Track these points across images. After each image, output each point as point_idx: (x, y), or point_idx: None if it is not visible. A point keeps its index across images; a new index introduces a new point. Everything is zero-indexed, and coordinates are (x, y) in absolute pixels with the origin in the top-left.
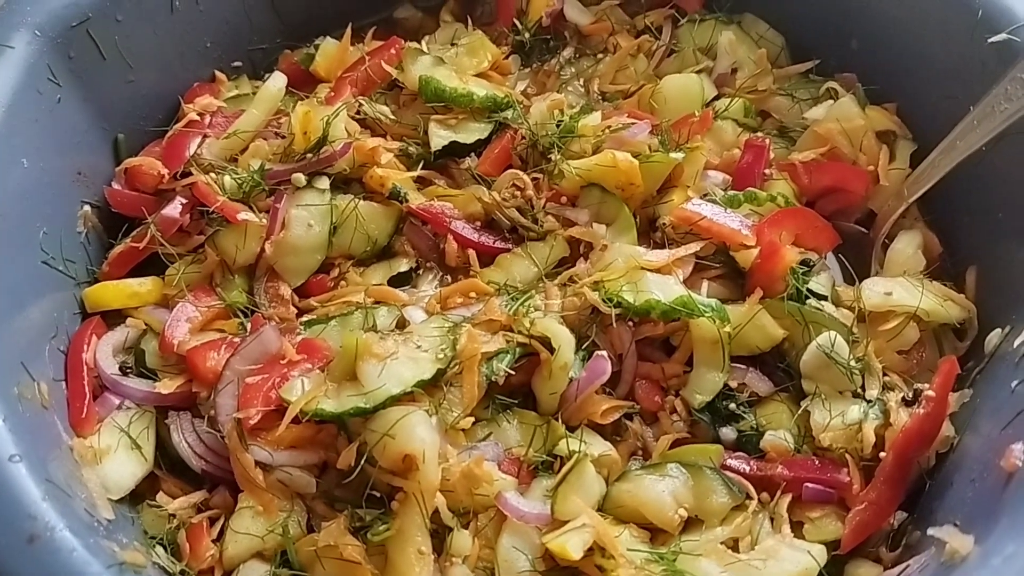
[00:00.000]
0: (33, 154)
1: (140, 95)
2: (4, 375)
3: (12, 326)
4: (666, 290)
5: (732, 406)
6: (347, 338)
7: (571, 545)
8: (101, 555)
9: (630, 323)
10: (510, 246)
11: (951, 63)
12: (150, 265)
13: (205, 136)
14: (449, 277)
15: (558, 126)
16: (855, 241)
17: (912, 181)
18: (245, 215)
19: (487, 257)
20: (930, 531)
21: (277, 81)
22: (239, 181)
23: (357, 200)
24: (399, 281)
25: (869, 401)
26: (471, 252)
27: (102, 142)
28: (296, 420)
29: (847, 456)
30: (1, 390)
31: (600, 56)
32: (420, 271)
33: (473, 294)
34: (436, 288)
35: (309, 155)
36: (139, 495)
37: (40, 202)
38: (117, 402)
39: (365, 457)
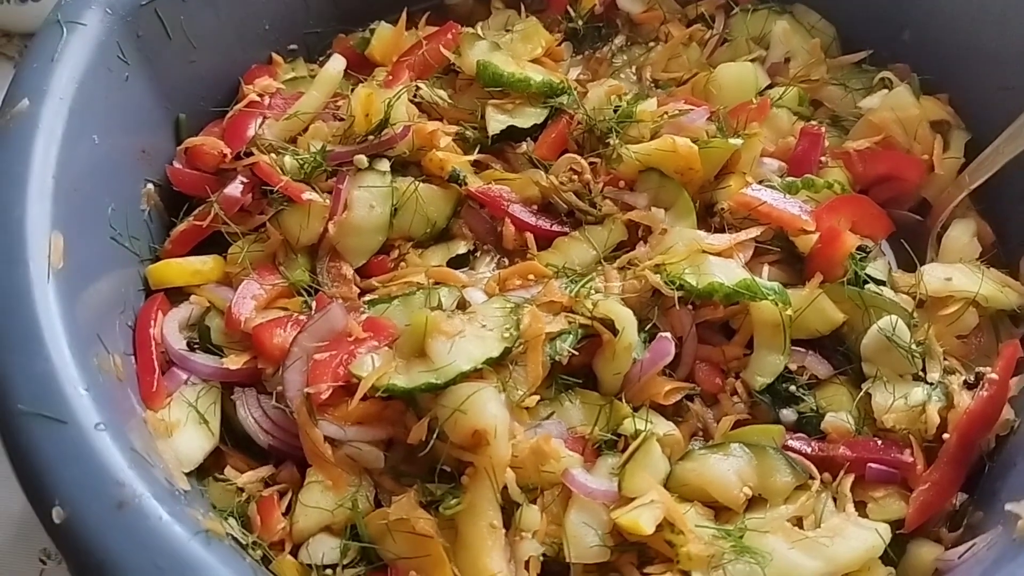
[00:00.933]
0: (103, 130)
1: (201, 75)
2: (84, 345)
3: (87, 299)
4: (729, 273)
5: (792, 388)
6: (416, 315)
7: (643, 520)
8: (187, 522)
9: (690, 306)
10: (567, 230)
11: (1008, 54)
12: (210, 244)
13: (265, 117)
14: (506, 260)
15: (615, 111)
16: (909, 229)
17: (972, 170)
18: (309, 195)
19: (544, 241)
20: (1008, 506)
21: (337, 64)
22: (300, 162)
23: (417, 182)
24: (457, 263)
25: (931, 384)
26: (529, 235)
27: (165, 121)
28: (365, 396)
29: (910, 437)
30: (82, 361)
31: (652, 44)
32: (478, 253)
33: (532, 276)
34: (494, 270)
35: (370, 137)
36: (204, 470)
37: (108, 178)
38: (184, 377)
39: (436, 432)
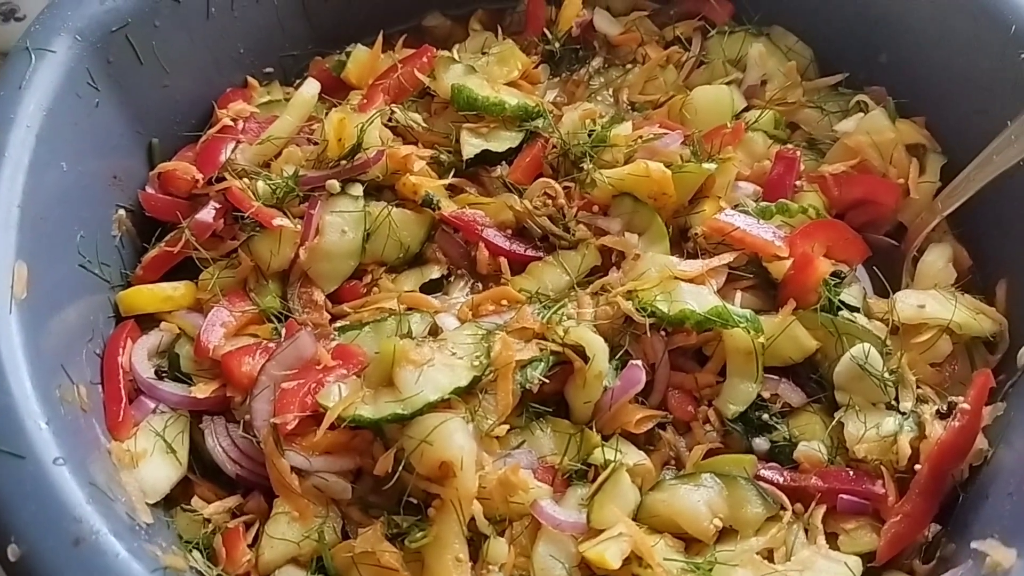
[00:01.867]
0: (72, 157)
1: (174, 100)
2: (45, 378)
3: (51, 328)
4: (700, 300)
5: (765, 416)
6: (384, 344)
7: (609, 554)
8: (144, 559)
9: (663, 333)
10: (541, 255)
11: (982, 78)
12: (182, 269)
13: (239, 142)
14: (480, 285)
15: (590, 135)
16: (885, 253)
17: (946, 195)
18: (280, 220)
19: (518, 265)
20: (973, 544)
21: (310, 88)
22: (273, 187)
23: (390, 207)
24: (430, 288)
25: (903, 413)
26: (502, 260)
27: (137, 146)
28: (332, 426)
29: (882, 468)
30: (43, 393)
31: (629, 67)
32: (451, 278)
33: (505, 302)
34: (467, 295)
35: (343, 162)
36: (172, 499)
37: (78, 205)
38: (152, 406)
39: (403, 464)
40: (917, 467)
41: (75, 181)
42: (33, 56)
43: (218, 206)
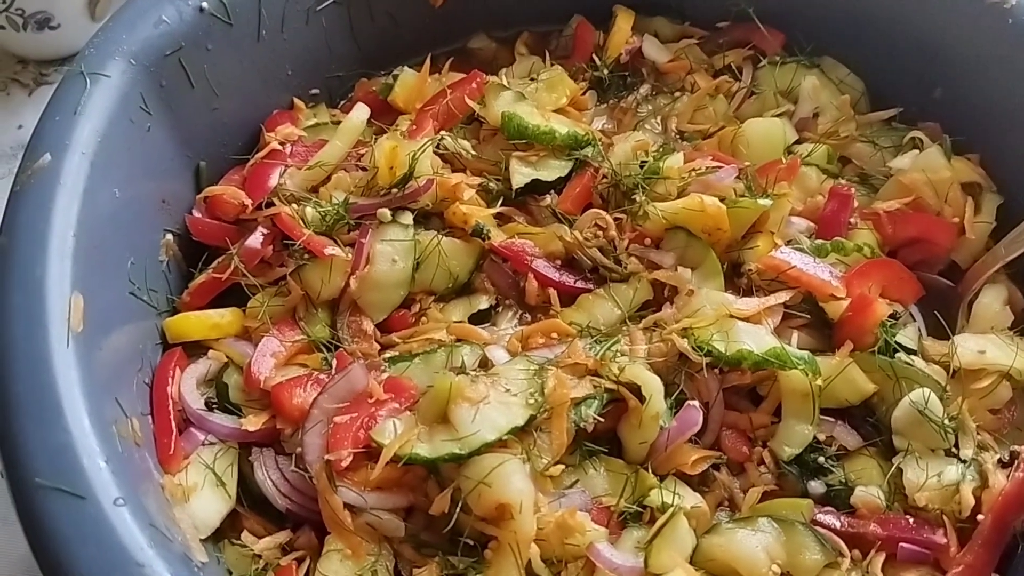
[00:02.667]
0: (124, 183)
1: (223, 123)
2: (103, 413)
3: (105, 360)
4: (758, 340)
5: (820, 459)
6: (440, 381)
7: None
8: None
9: (717, 371)
10: (591, 287)
11: None
12: (230, 295)
13: (287, 166)
14: (529, 316)
15: (642, 166)
16: (938, 293)
17: (1012, 239)
18: (332, 250)
19: (568, 297)
20: None
21: (360, 113)
22: (323, 213)
23: (440, 236)
24: (478, 318)
25: (965, 461)
26: (552, 291)
27: (185, 169)
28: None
29: (944, 517)
30: (101, 429)
31: (678, 95)
32: (500, 308)
33: (555, 335)
34: (516, 326)
35: (394, 190)
36: (219, 532)
37: (129, 231)
38: (202, 438)
39: (460, 504)
40: (979, 517)
41: (127, 206)
42: (88, 80)
43: (266, 232)
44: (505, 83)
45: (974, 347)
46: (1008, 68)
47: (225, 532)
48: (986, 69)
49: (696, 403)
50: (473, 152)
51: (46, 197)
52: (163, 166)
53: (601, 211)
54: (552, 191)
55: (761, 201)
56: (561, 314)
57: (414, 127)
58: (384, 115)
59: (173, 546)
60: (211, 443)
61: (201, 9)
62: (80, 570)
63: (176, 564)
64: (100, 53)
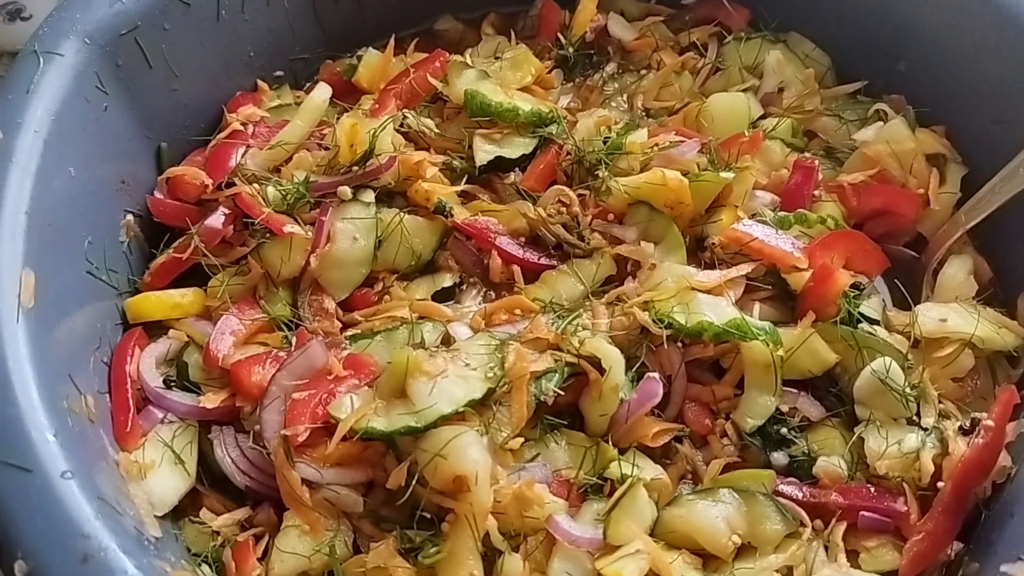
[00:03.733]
0: (80, 162)
1: (183, 104)
2: (53, 388)
3: (58, 337)
4: (719, 312)
5: (783, 431)
6: (398, 355)
7: (627, 571)
8: (153, 575)
9: (680, 344)
10: (555, 263)
11: (1004, 87)
12: (191, 275)
13: (248, 146)
14: (493, 293)
15: (605, 142)
16: (904, 265)
17: (969, 208)
18: (291, 227)
19: (531, 274)
20: (1003, 567)
21: (322, 92)
22: (283, 192)
23: (402, 214)
24: (442, 296)
25: (926, 429)
26: (516, 268)
27: (145, 151)
28: (344, 438)
29: (904, 485)
30: (51, 404)
31: (644, 72)
32: (463, 286)
33: (518, 311)
34: (480, 304)
35: (355, 168)
36: (179, 511)
37: (86, 211)
38: (160, 416)
39: (416, 477)
40: (940, 484)
41: (83, 186)
42: (41, 59)
43: (227, 212)
44: (469, 62)
45: (936, 316)
46: (971, 39)
47: (186, 510)
48: (950, 41)
49: (656, 375)
50: (436, 130)
51: None
52: (121, 146)
53: (565, 188)
54: (516, 168)
55: (723, 174)
56: (525, 291)
57: (377, 106)
58: (348, 96)
59: (123, 520)
60: (170, 422)
61: None
62: (26, 541)
63: (124, 537)
64: (54, 32)
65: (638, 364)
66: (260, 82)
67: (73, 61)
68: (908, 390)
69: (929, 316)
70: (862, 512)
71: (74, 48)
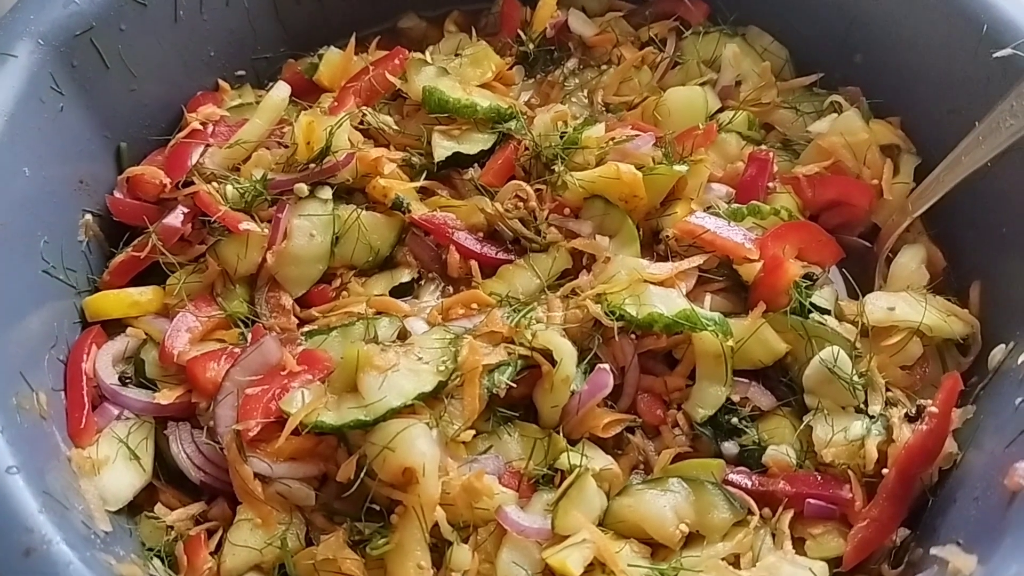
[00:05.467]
0: (35, 163)
1: (143, 104)
2: (2, 385)
3: (11, 336)
4: (669, 303)
5: (734, 420)
6: (348, 350)
7: (571, 561)
8: (97, 568)
9: (632, 336)
10: (512, 257)
11: (955, 78)
12: (151, 274)
13: (208, 145)
14: (451, 288)
15: (562, 137)
16: (859, 255)
17: (917, 196)
18: (247, 225)
19: (489, 268)
20: (933, 550)
21: (280, 91)
22: (241, 191)
23: (360, 210)
24: (401, 292)
25: (872, 417)
26: (473, 263)
27: (104, 151)
28: (296, 432)
29: (849, 472)
30: None
31: (604, 67)
32: (422, 282)
33: (475, 305)
34: (438, 299)
35: (312, 165)
36: (137, 506)
37: (42, 211)
38: (116, 412)
39: (365, 470)
40: (885, 471)
41: (39, 187)
42: None
43: (186, 210)
44: (429, 59)
45: (884, 304)
46: (923, 32)
47: (143, 506)
48: (904, 32)
49: (607, 366)
50: (395, 127)
51: None
52: (79, 147)
53: (522, 183)
54: (475, 164)
55: (676, 167)
56: (482, 285)
57: (336, 104)
58: (310, 95)
59: (70, 515)
60: (126, 418)
61: None
62: None
63: (69, 531)
64: (7, 34)
65: (591, 355)
66: (221, 82)
67: (26, 62)
68: (856, 378)
69: (877, 305)
70: (808, 499)
71: (27, 49)
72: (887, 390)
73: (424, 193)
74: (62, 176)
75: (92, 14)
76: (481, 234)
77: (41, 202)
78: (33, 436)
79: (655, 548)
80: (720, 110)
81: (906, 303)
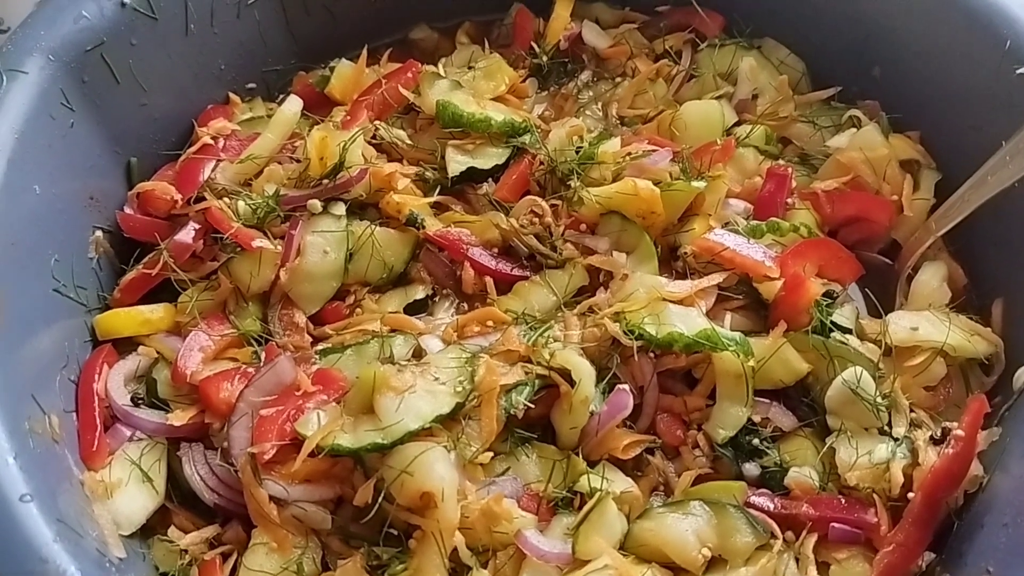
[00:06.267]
0: (46, 180)
1: (153, 118)
2: (14, 409)
3: (22, 356)
4: (689, 322)
5: (755, 441)
6: (364, 371)
7: None
8: None
9: (651, 355)
10: (528, 274)
11: (977, 93)
12: (162, 291)
13: (219, 160)
14: (466, 304)
15: (577, 152)
16: (878, 272)
17: (941, 214)
18: (260, 242)
19: (504, 285)
20: None
21: (292, 105)
22: (253, 207)
23: (374, 226)
24: (415, 308)
25: (896, 439)
26: (488, 280)
27: (115, 166)
28: (312, 454)
29: (874, 496)
30: (11, 426)
31: (618, 80)
32: (436, 298)
33: (490, 322)
34: (453, 316)
35: (325, 181)
36: (150, 528)
37: (52, 228)
38: (128, 433)
39: (383, 494)
40: (911, 495)
41: (49, 204)
42: (4, 78)
43: (197, 227)
44: (442, 72)
45: (907, 324)
46: (944, 46)
47: (155, 528)
48: (923, 46)
49: (627, 387)
50: (409, 142)
51: None
52: (90, 163)
53: (537, 198)
54: (489, 179)
55: (695, 183)
56: (497, 302)
57: (348, 118)
58: (321, 108)
59: (84, 542)
60: (139, 439)
61: (123, 4)
62: None
63: (84, 560)
64: (17, 50)
65: (610, 375)
66: (232, 95)
67: (37, 79)
68: (879, 400)
69: (900, 324)
70: (833, 523)
71: (38, 65)
72: (911, 411)
73: (438, 208)
74: (72, 193)
75: (103, 29)
76: (496, 250)
77: (51, 219)
78: (45, 460)
79: (676, 572)
80: (736, 124)
81: (929, 322)
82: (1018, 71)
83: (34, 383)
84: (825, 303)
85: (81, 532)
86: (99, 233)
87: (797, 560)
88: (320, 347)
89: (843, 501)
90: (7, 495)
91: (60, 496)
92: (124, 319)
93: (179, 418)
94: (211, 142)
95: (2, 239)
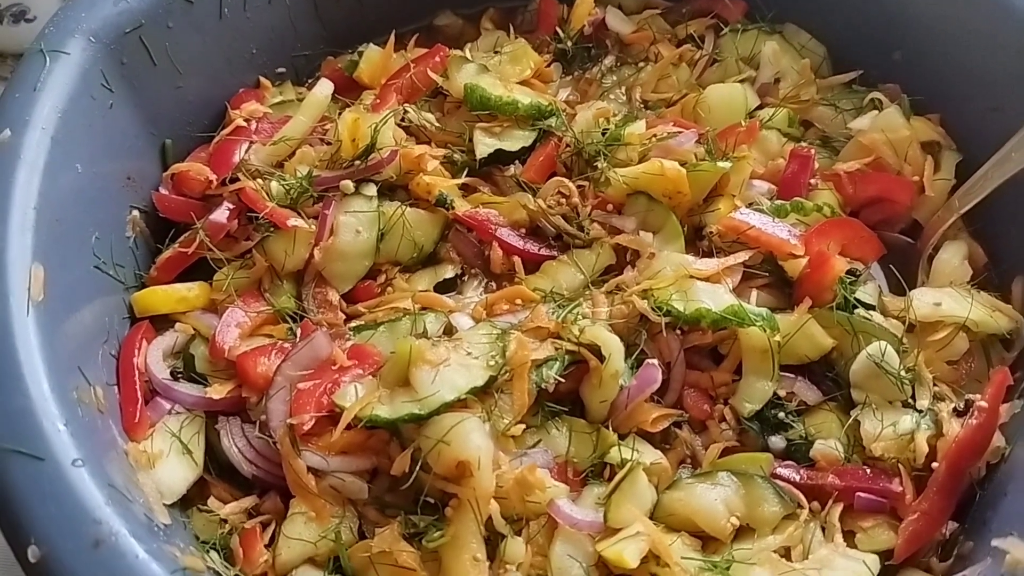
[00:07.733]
0: (86, 159)
1: (187, 101)
2: (63, 379)
3: (68, 330)
4: (716, 299)
5: (781, 415)
6: (400, 344)
7: (627, 553)
8: (164, 559)
9: (678, 331)
10: (555, 253)
11: (998, 75)
12: (197, 270)
13: (252, 142)
14: (494, 284)
15: (604, 134)
16: (900, 251)
17: (963, 193)
18: (295, 221)
19: (532, 264)
20: (994, 542)
21: (324, 88)
22: (287, 187)
23: (404, 207)
24: (444, 287)
25: (920, 411)
26: (516, 259)
27: (150, 147)
28: (349, 426)
29: (899, 466)
30: (61, 394)
31: (642, 65)
32: (465, 278)
33: (519, 301)
34: (481, 295)
35: (357, 162)
36: (187, 500)
37: (93, 207)
38: (168, 407)
39: (420, 463)
40: (934, 465)
41: (90, 182)
42: (47, 58)
43: (232, 207)
44: (469, 57)
45: (930, 300)
46: (965, 28)
47: (194, 499)
48: (945, 29)
49: (655, 361)
50: (437, 124)
51: (7, 171)
52: (127, 143)
53: (564, 179)
54: (516, 161)
55: (720, 164)
56: (525, 281)
57: (378, 101)
58: (350, 92)
59: (133, 507)
60: (177, 412)
61: None
62: (39, 527)
63: (134, 523)
64: (59, 31)
65: (637, 351)
66: (263, 79)
67: (79, 59)
68: (903, 373)
69: (924, 300)
70: (858, 493)
71: (80, 46)
72: (934, 385)
73: (466, 190)
74: (111, 172)
75: (141, 11)
76: (523, 230)
77: (92, 198)
78: (93, 430)
79: (705, 541)
80: (759, 107)
81: (952, 298)
82: None
83: (79, 356)
84: (848, 281)
85: (130, 498)
86: (136, 213)
87: (823, 529)
88: (353, 324)
89: (868, 472)
90: (60, 459)
91: (108, 464)
92: (162, 297)
93: (218, 391)
94: (244, 124)
95: (47, 215)
